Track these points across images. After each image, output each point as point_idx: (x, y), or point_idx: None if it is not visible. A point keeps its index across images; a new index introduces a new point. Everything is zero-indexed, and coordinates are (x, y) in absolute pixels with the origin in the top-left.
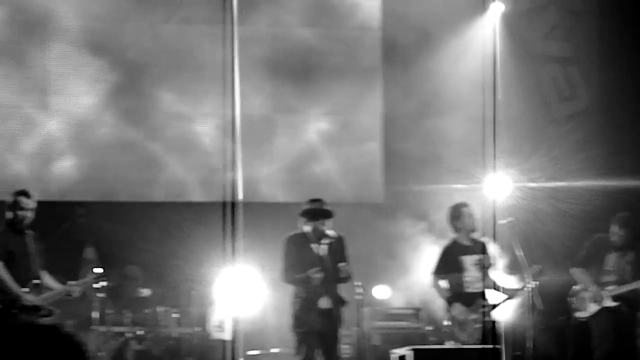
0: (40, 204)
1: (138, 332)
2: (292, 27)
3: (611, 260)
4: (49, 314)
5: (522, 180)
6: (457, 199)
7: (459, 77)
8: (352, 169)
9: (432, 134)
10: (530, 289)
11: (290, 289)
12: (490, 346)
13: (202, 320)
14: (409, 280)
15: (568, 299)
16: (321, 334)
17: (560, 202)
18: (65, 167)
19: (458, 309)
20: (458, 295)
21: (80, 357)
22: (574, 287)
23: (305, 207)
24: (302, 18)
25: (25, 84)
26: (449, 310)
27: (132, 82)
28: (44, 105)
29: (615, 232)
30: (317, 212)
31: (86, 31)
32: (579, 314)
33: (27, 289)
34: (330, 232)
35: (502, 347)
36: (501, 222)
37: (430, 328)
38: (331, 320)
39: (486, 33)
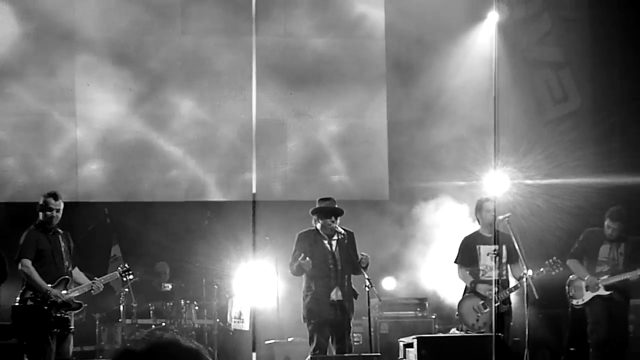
0: (69, 205)
1: (162, 324)
2: (304, 37)
3: (605, 251)
4: (78, 307)
5: (519, 177)
6: (459, 195)
7: (458, 82)
8: (360, 169)
9: (434, 135)
10: (526, 279)
11: (302, 282)
12: (492, 334)
13: (223, 312)
14: (414, 272)
15: (565, 287)
16: (333, 324)
17: (555, 198)
18: (92, 170)
19: (484, 285)
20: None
21: None
22: (570, 276)
23: (317, 205)
24: (313, 29)
25: (54, 93)
26: (470, 293)
27: (154, 90)
28: (71, 113)
29: (609, 225)
30: (328, 210)
31: (110, 43)
32: (574, 302)
33: (55, 285)
34: (340, 229)
35: (508, 334)
36: (500, 217)
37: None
38: (343, 310)
39: (484, 40)
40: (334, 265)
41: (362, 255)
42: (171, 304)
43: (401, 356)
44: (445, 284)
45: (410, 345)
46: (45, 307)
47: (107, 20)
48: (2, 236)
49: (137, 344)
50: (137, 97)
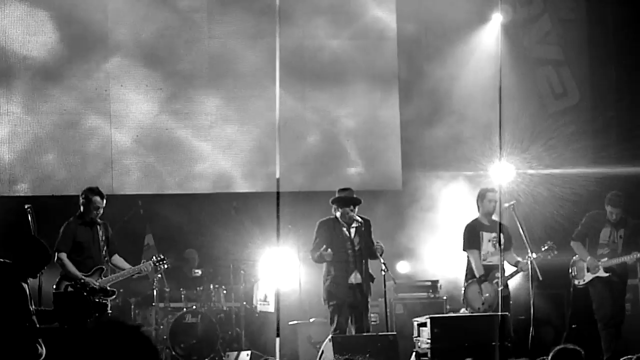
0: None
1: (192, 307)
2: (321, 39)
3: (605, 234)
4: (113, 294)
5: (522, 167)
6: (467, 185)
7: (465, 79)
8: (375, 161)
9: (443, 128)
10: (531, 261)
11: (323, 267)
12: (499, 313)
13: (249, 295)
14: (427, 256)
15: (569, 268)
16: (352, 306)
17: (555, 187)
18: (126, 165)
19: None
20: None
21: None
22: (574, 257)
23: (337, 195)
24: (330, 31)
25: (89, 94)
26: (474, 279)
27: (182, 90)
28: (106, 112)
29: (609, 211)
30: (346, 199)
31: (142, 46)
32: (576, 282)
33: (89, 274)
34: (357, 217)
35: (509, 314)
36: (505, 205)
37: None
38: (361, 293)
39: (489, 40)
40: (352, 251)
41: (377, 243)
42: (201, 288)
43: (415, 335)
44: (455, 266)
45: (423, 324)
46: (85, 293)
47: (138, 25)
48: (43, 227)
49: None
50: (167, 96)
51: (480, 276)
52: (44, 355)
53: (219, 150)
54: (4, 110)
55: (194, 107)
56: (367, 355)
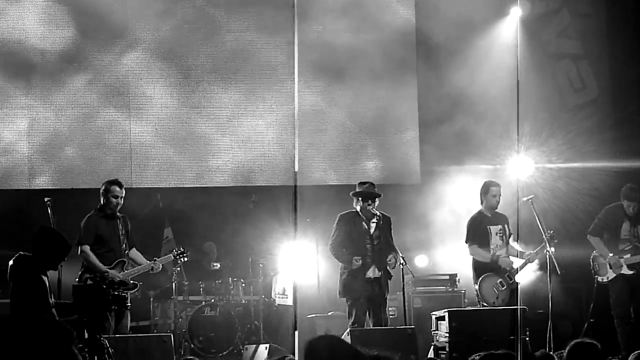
0: (124, 190)
1: (211, 300)
2: (340, 33)
3: (625, 229)
4: (134, 287)
5: (541, 161)
6: (485, 179)
7: (484, 73)
8: (393, 155)
9: (462, 122)
10: (549, 255)
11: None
12: (516, 307)
13: (267, 289)
14: (445, 250)
15: (590, 262)
16: (370, 299)
17: (574, 181)
18: (145, 158)
19: (505, 261)
20: (486, 263)
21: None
22: (594, 252)
23: (357, 188)
24: (348, 25)
25: (108, 88)
26: (489, 273)
27: (201, 84)
28: (125, 106)
29: (626, 205)
30: (367, 194)
31: (160, 41)
32: (599, 278)
33: (112, 267)
34: (377, 212)
35: (520, 306)
36: (523, 198)
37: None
38: (379, 287)
39: (508, 34)
40: (371, 245)
41: (393, 256)
42: (220, 281)
43: (433, 328)
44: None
45: (442, 318)
46: (104, 286)
47: (157, 20)
48: (63, 220)
49: None
50: (186, 90)
51: (491, 257)
52: None
53: (237, 144)
54: (24, 104)
55: (212, 100)
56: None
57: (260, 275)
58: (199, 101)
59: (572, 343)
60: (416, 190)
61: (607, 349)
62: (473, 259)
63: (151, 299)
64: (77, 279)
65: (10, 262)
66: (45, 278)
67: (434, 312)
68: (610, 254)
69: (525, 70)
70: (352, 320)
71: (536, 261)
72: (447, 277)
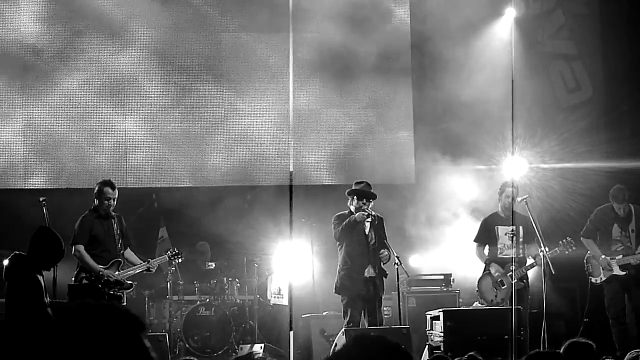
0: (120, 190)
1: (206, 300)
2: (334, 33)
3: (616, 230)
4: (130, 287)
5: (535, 161)
6: (479, 179)
7: (479, 73)
8: (388, 155)
9: (456, 123)
10: (543, 255)
11: (339, 258)
12: (511, 307)
13: (262, 288)
14: (439, 250)
15: (584, 264)
16: (365, 299)
17: (568, 181)
18: (140, 158)
19: (495, 267)
20: (493, 261)
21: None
22: (587, 253)
23: (353, 188)
24: (342, 25)
25: (104, 87)
26: (488, 271)
27: (196, 83)
28: (120, 105)
29: (615, 207)
30: (364, 193)
31: (155, 40)
32: (593, 279)
33: (107, 267)
34: (372, 212)
35: (527, 307)
36: (518, 199)
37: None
38: (374, 286)
39: (502, 34)
40: (367, 246)
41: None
42: (215, 281)
43: (428, 328)
44: (467, 260)
45: (436, 317)
46: (99, 286)
47: (153, 19)
48: (58, 220)
49: None
50: (181, 90)
51: (485, 260)
52: None
53: (232, 144)
54: (19, 103)
55: (208, 100)
56: None
57: (255, 275)
58: (194, 101)
59: (568, 343)
60: (411, 190)
61: (602, 349)
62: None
63: (146, 299)
64: (72, 279)
65: (5, 262)
66: (40, 277)
67: (428, 312)
68: (602, 256)
69: (519, 71)
70: (347, 319)
71: (531, 261)
72: (442, 277)
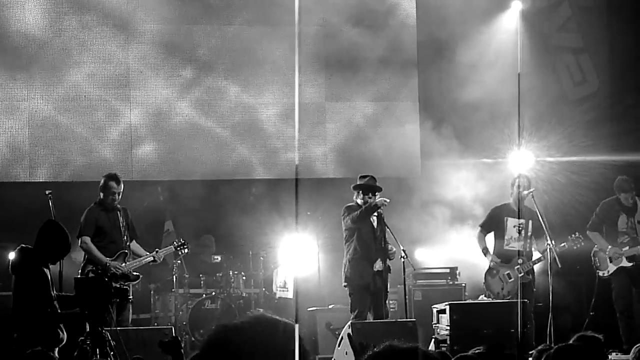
0: (125, 183)
1: (212, 293)
2: (340, 26)
3: (622, 221)
4: (136, 279)
5: (541, 155)
6: (486, 172)
7: (485, 67)
8: (394, 148)
9: (463, 116)
10: (550, 249)
11: (350, 249)
12: (519, 300)
13: (268, 282)
14: (445, 243)
15: (591, 257)
16: (373, 293)
17: (574, 174)
18: (146, 151)
19: (491, 257)
20: (499, 253)
21: None
22: (595, 247)
23: (358, 181)
24: (349, 18)
25: (110, 80)
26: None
27: (202, 77)
28: (126, 98)
29: (623, 197)
30: (369, 187)
31: (161, 33)
32: (600, 273)
33: (114, 259)
34: (387, 200)
35: (532, 301)
36: (525, 192)
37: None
38: (382, 280)
39: (509, 28)
40: (376, 239)
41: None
42: (220, 274)
43: (435, 321)
44: (473, 254)
45: (443, 311)
46: (106, 279)
47: (159, 12)
48: (63, 213)
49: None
50: (187, 83)
51: (482, 249)
52: (65, 340)
53: (238, 137)
54: (24, 96)
55: (213, 93)
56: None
57: (261, 268)
58: (200, 94)
59: (575, 336)
60: (417, 183)
61: (609, 343)
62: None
63: (152, 292)
64: (79, 271)
65: (12, 255)
66: (47, 270)
67: (435, 305)
68: (609, 247)
69: (526, 64)
70: (355, 313)
71: (537, 255)
72: (448, 270)
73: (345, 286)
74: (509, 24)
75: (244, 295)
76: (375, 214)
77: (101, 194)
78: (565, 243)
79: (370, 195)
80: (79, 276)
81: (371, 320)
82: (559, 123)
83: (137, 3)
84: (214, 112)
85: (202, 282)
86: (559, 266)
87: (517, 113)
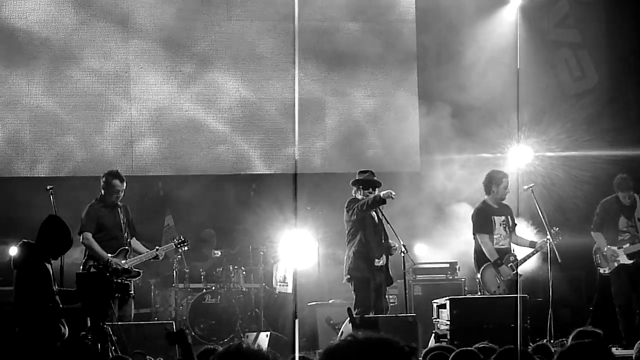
0: (125, 178)
1: (212, 288)
2: (339, 21)
3: (623, 221)
4: (137, 275)
5: (540, 150)
6: (485, 167)
7: (484, 62)
8: (393, 143)
9: (462, 111)
10: (550, 244)
11: (354, 243)
12: (518, 295)
13: (268, 277)
14: (445, 238)
15: (593, 255)
16: (374, 288)
17: (573, 169)
18: (146, 146)
19: (509, 272)
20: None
21: None
22: (595, 245)
23: (357, 177)
24: (348, 13)
25: (110, 75)
26: (489, 262)
27: (201, 72)
28: (126, 93)
29: (621, 196)
30: (369, 182)
31: (161, 29)
32: (601, 270)
33: (115, 255)
34: (393, 193)
35: (520, 295)
36: (524, 187)
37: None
38: (384, 275)
39: (508, 23)
40: (379, 234)
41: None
42: (220, 269)
43: (435, 316)
44: (473, 249)
45: (443, 306)
46: (107, 274)
47: (158, 8)
48: (63, 208)
49: None
50: (187, 78)
51: (496, 260)
52: (67, 335)
53: (238, 132)
54: (25, 91)
55: (212, 88)
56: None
57: (261, 263)
58: (200, 89)
59: (575, 331)
60: (416, 178)
61: (609, 338)
62: (475, 248)
63: (152, 287)
64: (81, 267)
65: (14, 250)
66: (48, 266)
67: (435, 300)
68: (607, 247)
69: (525, 59)
70: (360, 310)
71: (527, 251)
72: (448, 265)
73: (348, 280)
74: (508, 19)
75: (244, 290)
76: (385, 203)
77: (103, 191)
78: (546, 238)
79: (370, 190)
80: (81, 272)
81: (372, 315)
82: (558, 118)
83: None
84: (213, 107)
85: (202, 276)
86: (559, 260)
87: (516, 108)
